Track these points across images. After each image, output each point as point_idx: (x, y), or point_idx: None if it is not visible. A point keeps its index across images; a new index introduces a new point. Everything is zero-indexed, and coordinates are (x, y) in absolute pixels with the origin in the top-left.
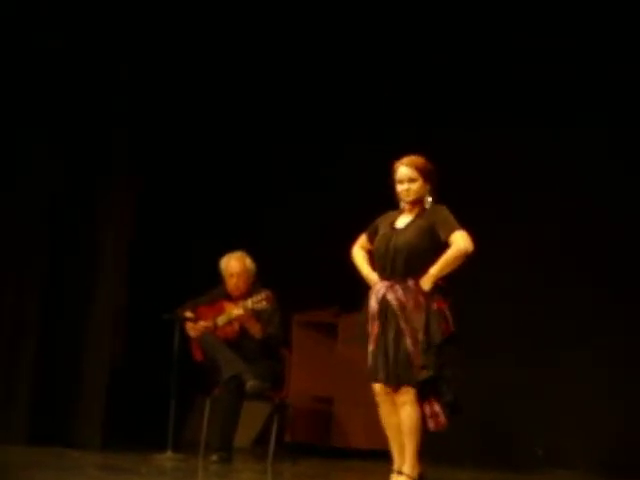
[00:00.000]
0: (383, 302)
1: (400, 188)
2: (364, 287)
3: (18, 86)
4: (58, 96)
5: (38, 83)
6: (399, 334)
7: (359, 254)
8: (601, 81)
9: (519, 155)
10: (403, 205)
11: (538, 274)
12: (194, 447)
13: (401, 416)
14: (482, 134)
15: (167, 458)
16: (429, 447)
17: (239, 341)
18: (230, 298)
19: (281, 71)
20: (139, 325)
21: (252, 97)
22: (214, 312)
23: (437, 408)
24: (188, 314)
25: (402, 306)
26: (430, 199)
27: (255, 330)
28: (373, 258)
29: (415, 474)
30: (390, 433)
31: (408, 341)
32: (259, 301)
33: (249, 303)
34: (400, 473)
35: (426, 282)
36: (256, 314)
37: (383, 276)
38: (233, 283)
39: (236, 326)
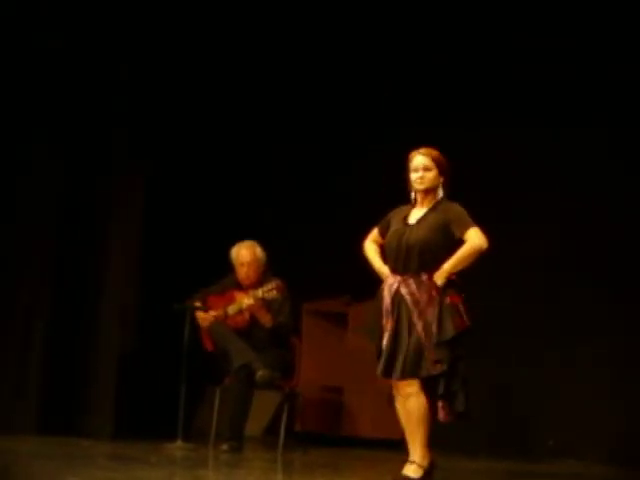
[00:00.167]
0: (396, 296)
1: (414, 176)
2: (374, 277)
3: (18, 86)
4: (58, 96)
5: (38, 83)
6: (412, 328)
7: (371, 248)
8: (601, 81)
9: (519, 155)
10: (414, 196)
11: (538, 274)
12: (204, 437)
13: (407, 407)
14: (482, 134)
15: (177, 447)
16: (442, 437)
17: (249, 330)
18: (241, 287)
19: (281, 71)
20: (150, 315)
21: (252, 95)
22: (225, 301)
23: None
24: (198, 304)
25: (416, 300)
26: (442, 194)
27: (265, 319)
28: (384, 253)
29: (425, 463)
30: (405, 425)
31: (421, 334)
32: (269, 290)
33: (259, 292)
34: (412, 462)
35: (439, 277)
36: (266, 303)
37: (396, 272)
38: (244, 272)
39: (246, 315)
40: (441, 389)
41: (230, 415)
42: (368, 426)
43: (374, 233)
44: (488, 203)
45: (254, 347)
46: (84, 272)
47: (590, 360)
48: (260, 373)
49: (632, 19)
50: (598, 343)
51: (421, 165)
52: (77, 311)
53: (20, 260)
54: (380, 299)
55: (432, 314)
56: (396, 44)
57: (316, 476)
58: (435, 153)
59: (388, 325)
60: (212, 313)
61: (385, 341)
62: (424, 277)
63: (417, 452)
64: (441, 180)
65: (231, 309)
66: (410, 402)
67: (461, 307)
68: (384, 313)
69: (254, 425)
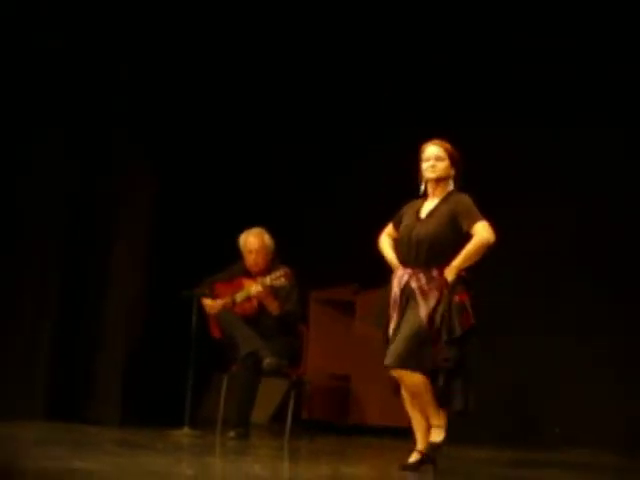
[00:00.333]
0: (406, 288)
1: (426, 165)
2: (382, 266)
3: (18, 86)
4: (58, 96)
5: (38, 83)
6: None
7: (385, 241)
8: (601, 81)
9: (519, 155)
10: (424, 186)
11: (538, 273)
12: (211, 424)
13: (405, 387)
14: (482, 134)
15: (184, 434)
16: (450, 426)
17: (257, 318)
18: (249, 274)
19: (281, 71)
20: (157, 302)
21: (252, 95)
22: (232, 289)
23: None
24: (206, 291)
25: (424, 294)
26: (452, 186)
27: (273, 307)
28: (397, 247)
29: (442, 422)
30: (413, 414)
31: (423, 321)
32: (277, 278)
33: (267, 280)
34: (420, 452)
35: (450, 273)
36: (274, 291)
37: (406, 266)
38: (252, 259)
39: (254, 303)
40: (441, 381)
41: (237, 402)
42: (375, 414)
43: (389, 227)
44: (488, 203)
45: (261, 335)
46: (94, 262)
47: (590, 360)
48: (267, 361)
49: (632, 19)
50: (598, 341)
51: (433, 155)
52: (84, 303)
53: (26, 261)
54: (390, 289)
55: (439, 310)
56: (396, 44)
57: (322, 464)
58: (448, 145)
59: (394, 315)
60: (220, 301)
61: (391, 330)
62: (435, 272)
63: (431, 416)
64: (452, 173)
65: (239, 296)
66: (404, 383)
67: (468, 305)
68: (391, 303)
69: (261, 412)
